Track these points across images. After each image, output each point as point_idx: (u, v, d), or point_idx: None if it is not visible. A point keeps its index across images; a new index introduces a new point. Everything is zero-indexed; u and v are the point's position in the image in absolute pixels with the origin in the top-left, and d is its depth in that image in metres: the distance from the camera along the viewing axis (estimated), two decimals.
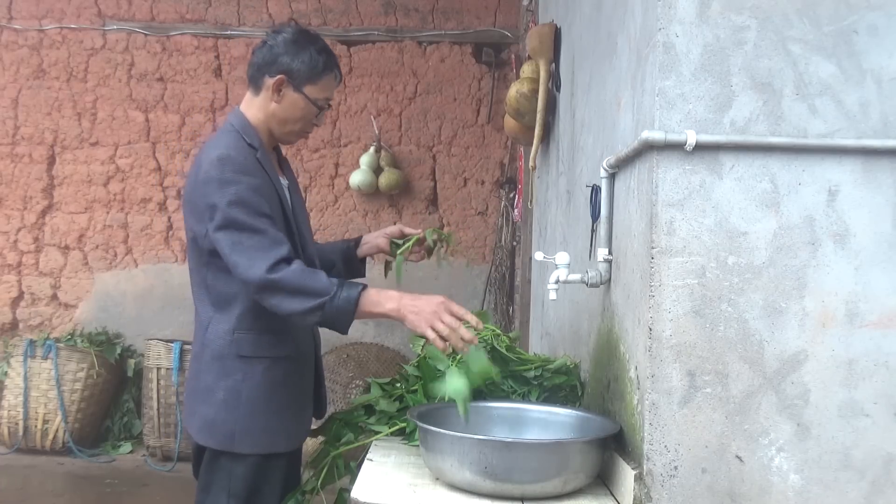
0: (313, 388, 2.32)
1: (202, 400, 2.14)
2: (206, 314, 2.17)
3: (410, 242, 2.41)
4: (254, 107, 2.22)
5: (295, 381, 2.20)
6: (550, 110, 3.24)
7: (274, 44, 2.19)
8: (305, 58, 2.16)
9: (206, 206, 2.04)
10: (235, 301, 2.11)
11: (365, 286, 2.00)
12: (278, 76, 2.16)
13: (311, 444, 2.33)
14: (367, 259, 2.53)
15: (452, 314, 1.93)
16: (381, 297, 1.99)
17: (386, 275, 2.44)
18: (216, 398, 2.11)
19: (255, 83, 2.22)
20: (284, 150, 2.46)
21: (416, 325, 1.94)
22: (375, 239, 2.47)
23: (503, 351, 2.15)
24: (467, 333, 1.92)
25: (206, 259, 2.12)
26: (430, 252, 2.47)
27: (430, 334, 1.92)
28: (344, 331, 2.02)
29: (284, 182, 2.28)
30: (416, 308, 1.95)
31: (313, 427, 2.31)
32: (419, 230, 2.45)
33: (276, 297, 1.97)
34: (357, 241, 2.50)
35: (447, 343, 1.92)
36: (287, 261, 1.99)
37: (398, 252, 2.41)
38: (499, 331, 2.23)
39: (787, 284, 1.61)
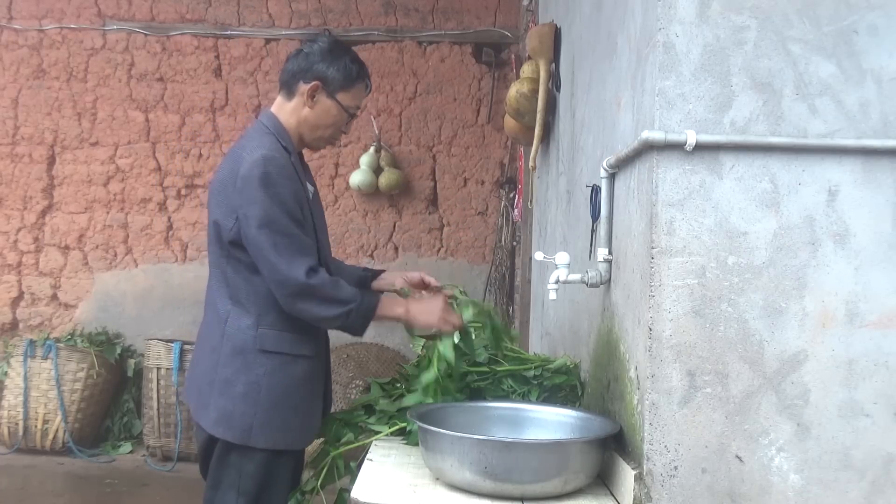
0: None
1: (220, 392, 2.13)
2: (225, 308, 2.17)
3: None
4: (285, 111, 2.26)
5: (311, 380, 2.21)
6: (550, 110, 3.24)
7: (310, 52, 2.25)
8: (340, 66, 2.23)
9: (246, 203, 2.08)
10: (257, 297, 2.14)
11: (381, 295, 2.26)
12: (313, 82, 2.22)
13: (314, 444, 2.34)
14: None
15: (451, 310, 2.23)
16: (393, 304, 2.23)
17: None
18: (235, 391, 2.12)
19: (288, 88, 2.27)
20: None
21: (429, 322, 2.19)
22: (393, 278, 2.52)
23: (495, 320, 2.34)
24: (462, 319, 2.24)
25: (227, 252, 2.15)
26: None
27: (445, 326, 2.18)
28: (359, 335, 2.20)
29: (310, 189, 2.30)
30: (424, 309, 2.20)
31: None
32: (438, 283, 2.47)
33: (309, 303, 2.08)
34: (375, 274, 2.54)
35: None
36: (316, 269, 2.09)
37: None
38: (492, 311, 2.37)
39: (787, 284, 1.61)
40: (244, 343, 2.13)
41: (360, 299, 2.12)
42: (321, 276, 2.08)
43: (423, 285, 2.47)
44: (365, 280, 2.51)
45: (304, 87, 2.22)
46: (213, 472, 2.17)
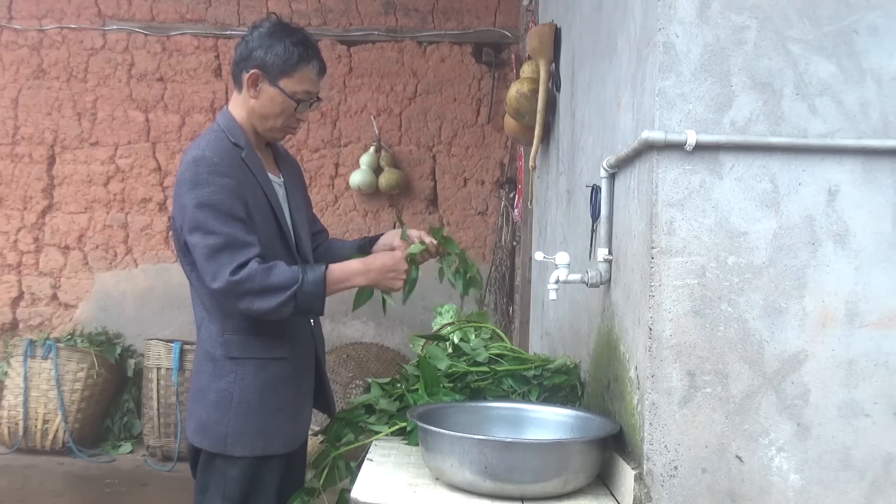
0: (315, 388, 2.31)
1: (196, 401, 2.14)
2: (199, 314, 2.17)
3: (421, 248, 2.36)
4: (238, 105, 2.20)
5: (291, 381, 2.18)
6: (550, 110, 3.24)
7: (250, 38, 2.16)
8: (279, 50, 2.12)
9: (180, 206, 2.06)
10: (221, 304, 2.10)
11: (326, 266, 2.08)
12: (252, 70, 2.13)
13: (314, 445, 2.33)
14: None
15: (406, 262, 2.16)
16: (347, 272, 2.10)
17: (385, 310, 2.36)
18: (208, 399, 2.11)
19: (236, 80, 2.20)
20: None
21: (392, 286, 2.13)
22: (391, 239, 2.37)
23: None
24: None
25: (191, 259, 2.11)
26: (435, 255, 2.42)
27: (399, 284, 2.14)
28: (320, 313, 2.11)
29: (278, 180, 2.25)
30: (384, 270, 2.12)
31: (319, 428, 2.31)
32: (435, 242, 2.37)
33: (246, 299, 1.99)
34: (374, 239, 2.43)
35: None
36: (245, 263, 1.98)
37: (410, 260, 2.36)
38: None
39: (787, 284, 1.61)
40: (213, 350, 2.11)
41: (302, 277, 2.00)
42: (249, 269, 1.97)
43: (421, 244, 2.36)
44: (364, 248, 2.41)
45: (245, 77, 2.14)
46: (199, 477, 2.17)
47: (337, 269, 2.08)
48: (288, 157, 2.40)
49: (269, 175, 2.21)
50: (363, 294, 2.21)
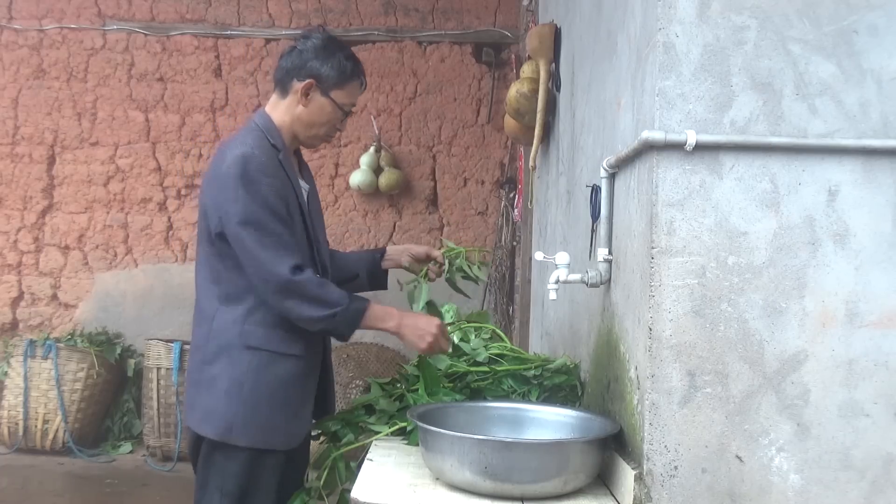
0: (319, 389, 2.31)
1: (205, 390, 2.14)
2: (212, 307, 2.17)
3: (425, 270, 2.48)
4: (279, 109, 2.24)
5: (300, 380, 2.20)
6: (550, 110, 3.24)
7: (304, 49, 2.22)
8: (335, 63, 2.21)
9: (227, 200, 2.07)
10: (247, 296, 2.13)
11: (370, 302, 2.16)
12: (307, 80, 2.20)
13: (316, 444, 2.33)
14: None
15: (445, 336, 2.20)
16: (384, 314, 2.17)
17: (402, 288, 2.46)
18: (219, 388, 2.12)
19: (282, 86, 2.25)
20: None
21: (418, 346, 2.16)
22: (399, 255, 2.51)
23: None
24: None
25: (217, 249, 2.14)
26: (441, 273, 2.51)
27: (432, 352, 2.18)
28: (344, 339, 2.20)
29: (306, 186, 2.30)
30: (416, 329, 2.16)
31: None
32: (443, 258, 2.49)
33: (293, 300, 2.05)
34: (382, 253, 2.53)
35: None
36: (302, 267, 2.07)
37: (422, 279, 2.42)
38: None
39: (787, 284, 1.61)
40: (229, 340, 2.13)
41: (348, 304, 2.09)
42: (307, 274, 2.06)
43: (428, 260, 2.47)
44: (374, 263, 2.50)
45: (298, 85, 2.20)
46: (199, 472, 2.18)
47: (377, 310, 2.16)
48: (307, 166, 2.45)
49: (300, 181, 2.27)
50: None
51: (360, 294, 2.21)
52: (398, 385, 2.29)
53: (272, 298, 2.07)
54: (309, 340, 2.21)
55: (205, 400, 2.14)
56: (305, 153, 2.38)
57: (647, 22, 1.71)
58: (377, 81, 5.85)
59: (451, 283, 2.49)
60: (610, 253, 1.96)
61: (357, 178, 5.64)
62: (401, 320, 2.17)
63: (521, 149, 4.85)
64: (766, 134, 1.61)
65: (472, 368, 2.23)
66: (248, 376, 2.11)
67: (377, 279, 2.52)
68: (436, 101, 5.85)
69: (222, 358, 2.13)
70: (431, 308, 2.40)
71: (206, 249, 2.19)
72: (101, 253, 5.92)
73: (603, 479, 1.84)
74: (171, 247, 5.91)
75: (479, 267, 2.44)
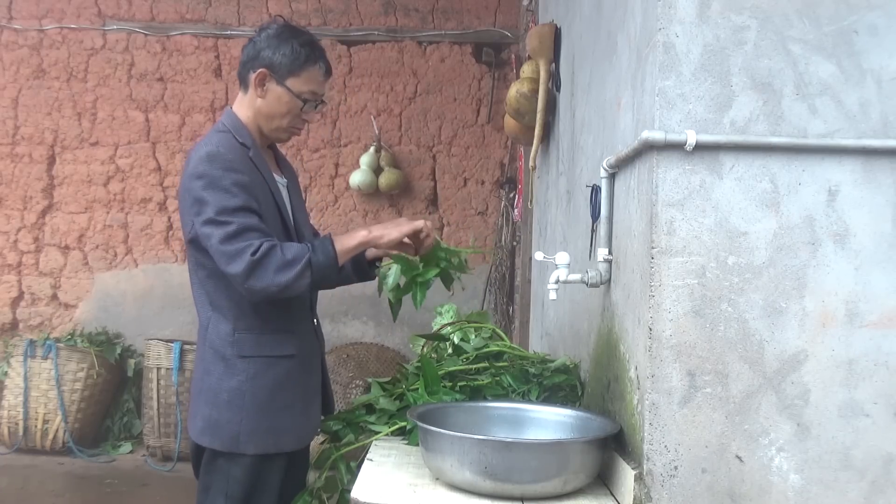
0: (320, 386, 2.31)
1: (206, 401, 2.13)
2: (205, 315, 2.17)
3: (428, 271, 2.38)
4: (244, 105, 2.22)
5: (300, 379, 2.20)
6: (550, 110, 3.24)
7: (257, 39, 2.20)
8: (287, 50, 2.16)
9: (194, 201, 2.05)
10: (232, 302, 2.11)
11: (331, 233, 2.17)
12: (260, 70, 2.17)
13: (316, 445, 2.33)
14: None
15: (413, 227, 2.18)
16: (351, 233, 2.15)
17: (380, 293, 2.37)
18: (220, 399, 2.11)
19: (242, 81, 2.23)
20: (284, 149, 2.46)
21: (390, 235, 2.14)
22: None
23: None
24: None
25: (200, 259, 2.13)
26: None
27: (407, 231, 2.16)
28: (333, 281, 2.16)
29: (282, 181, 2.28)
30: (384, 225, 2.17)
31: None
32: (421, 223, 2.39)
33: (266, 276, 1.99)
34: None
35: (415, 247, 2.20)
36: (260, 245, 2.01)
37: (395, 262, 2.36)
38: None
39: (787, 284, 1.61)
40: (224, 350, 2.12)
41: (312, 245, 2.06)
42: (265, 247, 1.99)
43: (416, 236, 2.39)
44: (358, 255, 2.40)
45: (252, 77, 2.18)
46: (202, 477, 2.18)
47: (343, 235, 2.14)
48: (285, 160, 2.42)
49: (275, 175, 2.24)
50: (398, 291, 2.29)
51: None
52: (398, 385, 2.29)
53: (247, 286, 2.01)
54: (301, 338, 2.20)
55: (206, 410, 2.13)
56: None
57: (647, 22, 1.71)
58: (377, 81, 5.85)
59: (444, 280, 2.44)
60: (610, 253, 1.96)
61: (357, 178, 5.64)
62: (369, 228, 2.16)
63: (521, 149, 4.85)
64: (766, 134, 1.61)
65: (473, 365, 2.23)
66: (247, 385, 2.10)
67: (363, 270, 2.43)
68: (436, 101, 5.86)
69: (219, 369, 2.12)
70: (481, 315, 2.39)
71: (191, 258, 2.18)
72: (101, 253, 5.92)
73: (603, 479, 1.84)
74: (171, 247, 5.91)
75: (464, 260, 2.42)
